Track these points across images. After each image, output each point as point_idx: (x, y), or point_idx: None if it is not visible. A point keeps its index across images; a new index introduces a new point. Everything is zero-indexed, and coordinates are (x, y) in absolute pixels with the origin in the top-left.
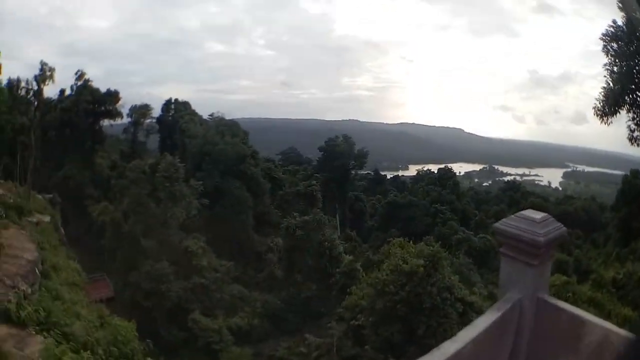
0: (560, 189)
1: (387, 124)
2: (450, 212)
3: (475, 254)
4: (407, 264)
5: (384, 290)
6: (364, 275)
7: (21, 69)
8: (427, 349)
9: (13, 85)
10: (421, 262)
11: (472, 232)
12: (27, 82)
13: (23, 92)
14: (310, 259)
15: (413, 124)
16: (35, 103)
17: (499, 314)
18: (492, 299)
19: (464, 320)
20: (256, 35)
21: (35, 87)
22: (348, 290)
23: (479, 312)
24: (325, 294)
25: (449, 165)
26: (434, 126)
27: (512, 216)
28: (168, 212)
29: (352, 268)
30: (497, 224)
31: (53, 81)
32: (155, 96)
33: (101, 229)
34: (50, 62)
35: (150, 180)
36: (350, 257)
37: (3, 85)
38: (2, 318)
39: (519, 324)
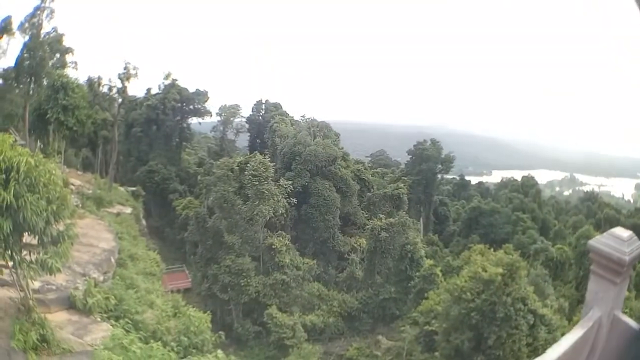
0: (632, 200)
1: (472, 129)
2: (531, 220)
3: (552, 265)
4: (486, 271)
5: (461, 297)
6: (443, 280)
7: (104, 66)
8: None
9: (93, 82)
10: (500, 270)
11: (550, 242)
12: (109, 79)
13: (105, 89)
14: (391, 261)
15: (497, 130)
16: (119, 100)
17: (582, 332)
18: (562, 312)
19: (533, 333)
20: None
21: (120, 85)
22: (425, 294)
23: (549, 325)
24: (402, 297)
25: (532, 172)
26: (516, 133)
27: (604, 234)
28: (255, 209)
29: (431, 272)
30: (590, 242)
31: (137, 78)
32: (245, 96)
33: (184, 222)
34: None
35: (238, 178)
36: (431, 262)
37: (82, 82)
38: (65, 304)
39: (595, 342)
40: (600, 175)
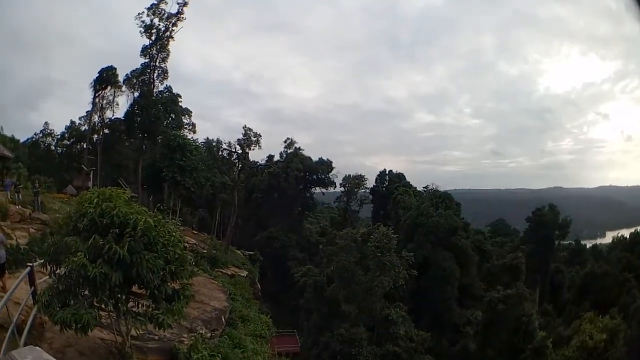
0: None
1: (587, 188)
2: (635, 279)
3: None
4: (592, 339)
5: None
6: (552, 352)
7: (218, 131)
8: None
9: (211, 145)
10: (604, 336)
11: None
12: (229, 144)
13: (225, 154)
14: (505, 334)
15: (610, 186)
16: (239, 165)
17: None
18: None
19: None
20: (462, 103)
21: (239, 150)
22: None
23: None
24: None
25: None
26: (629, 186)
27: None
28: (375, 280)
29: (542, 345)
30: None
31: (260, 147)
32: (368, 166)
33: (301, 289)
34: (251, 127)
35: (360, 249)
36: (543, 334)
37: (200, 143)
38: (165, 355)
39: None
40: None
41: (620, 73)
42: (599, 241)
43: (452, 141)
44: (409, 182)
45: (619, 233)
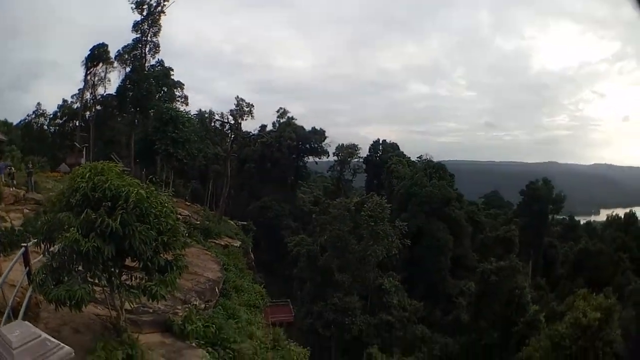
0: None
1: (582, 165)
2: (629, 260)
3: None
4: (586, 317)
5: (560, 343)
6: (545, 326)
7: (210, 102)
8: None
9: (204, 116)
10: (598, 315)
11: None
12: (221, 115)
13: (217, 125)
14: (498, 306)
15: (606, 164)
16: (232, 136)
17: None
18: None
19: None
20: (457, 75)
21: (232, 121)
22: (527, 340)
23: None
24: (505, 343)
25: (634, 209)
26: (625, 166)
27: None
28: (368, 249)
29: (534, 318)
30: None
31: (252, 117)
32: (361, 136)
33: (295, 259)
34: (244, 98)
35: (353, 218)
36: (536, 307)
37: (192, 115)
38: (160, 327)
39: None
40: None
41: (618, 55)
42: (593, 218)
43: (447, 112)
44: (402, 152)
45: (613, 212)
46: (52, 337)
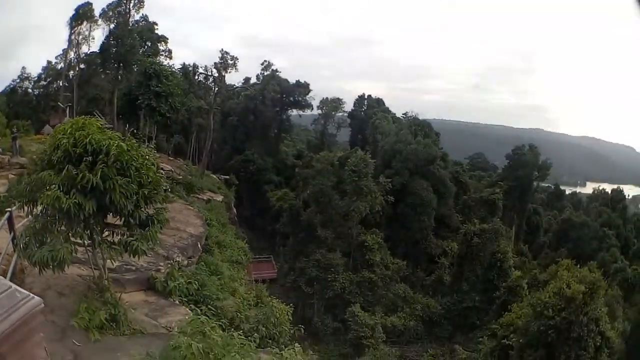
0: None
1: (570, 135)
2: (615, 237)
3: (626, 285)
4: (570, 288)
5: (542, 312)
6: (527, 293)
7: (196, 57)
8: None
9: (188, 70)
10: (582, 288)
11: (628, 262)
12: (205, 68)
13: (201, 78)
14: (480, 269)
15: (593, 138)
16: (216, 89)
17: None
18: (624, 336)
19: (597, 356)
20: (446, 35)
21: (215, 74)
22: (508, 306)
23: (611, 349)
24: (486, 306)
25: (621, 186)
26: (612, 142)
27: None
28: (351, 205)
29: (517, 284)
30: None
31: (236, 69)
32: (346, 91)
33: (277, 213)
34: (227, 51)
35: (337, 173)
36: (518, 273)
37: (176, 69)
38: (143, 285)
39: None
40: None
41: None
42: (579, 189)
43: (434, 71)
44: (388, 108)
45: (600, 186)
46: None
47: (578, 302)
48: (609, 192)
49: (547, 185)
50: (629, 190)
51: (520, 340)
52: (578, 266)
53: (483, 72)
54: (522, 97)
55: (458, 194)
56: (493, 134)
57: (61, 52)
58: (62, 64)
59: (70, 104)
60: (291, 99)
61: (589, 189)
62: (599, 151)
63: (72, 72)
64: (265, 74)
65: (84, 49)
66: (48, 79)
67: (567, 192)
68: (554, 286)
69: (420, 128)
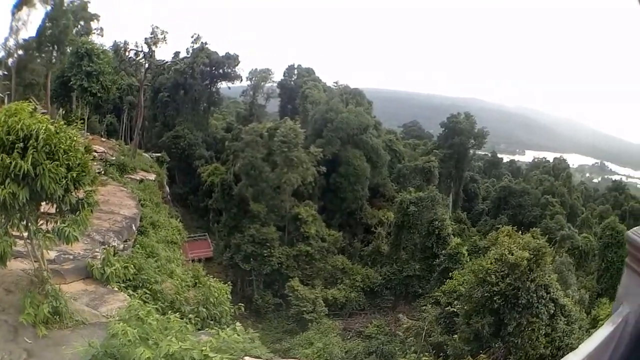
0: None
1: (506, 105)
2: (559, 205)
3: (576, 253)
4: (512, 254)
5: (485, 279)
6: (468, 260)
7: (129, 35)
8: (512, 347)
9: (119, 47)
10: (526, 254)
11: (576, 230)
12: (136, 44)
13: (132, 54)
14: (418, 237)
15: (532, 109)
16: (146, 65)
17: (611, 328)
18: (582, 304)
19: (552, 323)
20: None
21: (146, 49)
22: (450, 274)
23: (568, 317)
24: (426, 274)
25: (564, 155)
26: (552, 114)
27: None
28: (283, 177)
29: (457, 252)
30: (629, 233)
31: (166, 43)
32: (276, 60)
33: (209, 189)
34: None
35: (267, 144)
36: (458, 240)
37: (108, 47)
38: (82, 274)
39: (619, 340)
40: (629, 166)
41: None
42: (517, 157)
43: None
44: (318, 77)
45: (540, 154)
46: None
47: (523, 269)
48: (551, 160)
49: (484, 153)
50: (574, 159)
51: (465, 307)
52: (520, 233)
53: (414, 37)
54: (458, 66)
55: (392, 163)
56: (428, 102)
57: (3, 41)
58: (2, 52)
59: (8, 92)
60: (221, 71)
61: (528, 157)
62: (539, 121)
63: (11, 59)
64: (195, 47)
65: (23, 34)
66: None
67: (506, 160)
68: (495, 252)
69: (351, 96)
